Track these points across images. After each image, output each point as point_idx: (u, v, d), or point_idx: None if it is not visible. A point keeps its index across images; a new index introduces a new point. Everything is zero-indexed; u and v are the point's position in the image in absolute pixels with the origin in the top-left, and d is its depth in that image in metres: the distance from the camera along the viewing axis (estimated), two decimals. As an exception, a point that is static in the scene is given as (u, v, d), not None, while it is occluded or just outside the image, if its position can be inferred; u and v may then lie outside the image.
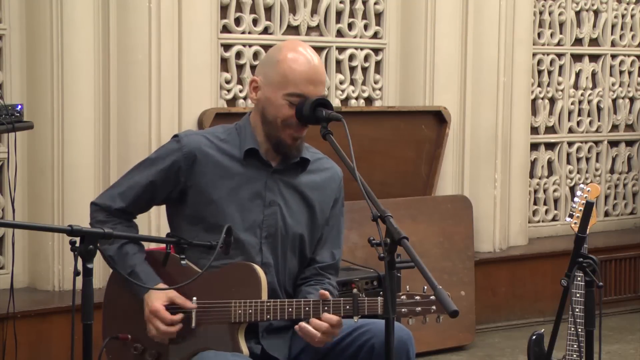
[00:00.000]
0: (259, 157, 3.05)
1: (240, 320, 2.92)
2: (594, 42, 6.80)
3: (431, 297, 2.89)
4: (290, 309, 2.90)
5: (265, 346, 3.02)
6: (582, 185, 3.73)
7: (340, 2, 5.72)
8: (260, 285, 2.93)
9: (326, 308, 2.89)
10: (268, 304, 2.91)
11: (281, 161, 3.08)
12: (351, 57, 5.79)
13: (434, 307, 2.90)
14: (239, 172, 3.04)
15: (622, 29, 6.91)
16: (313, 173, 3.13)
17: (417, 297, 2.90)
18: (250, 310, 2.91)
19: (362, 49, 5.81)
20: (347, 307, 2.88)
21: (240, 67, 5.41)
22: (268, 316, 2.91)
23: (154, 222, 4.80)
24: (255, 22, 5.44)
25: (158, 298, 2.96)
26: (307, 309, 2.90)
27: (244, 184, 3.04)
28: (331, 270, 3.18)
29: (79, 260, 2.48)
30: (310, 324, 2.87)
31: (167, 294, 2.96)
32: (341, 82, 5.76)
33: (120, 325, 3.06)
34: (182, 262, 2.89)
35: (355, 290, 2.95)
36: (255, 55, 5.43)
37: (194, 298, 2.97)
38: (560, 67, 6.66)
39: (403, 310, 2.87)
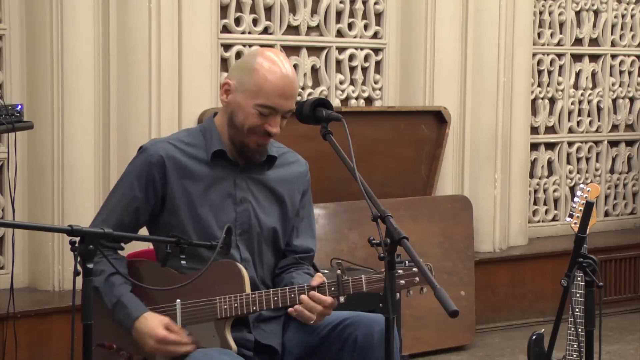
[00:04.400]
0: (226, 158, 3.07)
1: (226, 315, 2.94)
2: (594, 42, 6.80)
3: (414, 270, 2.92)
4: (275, 298, 2.93)
5: (257, 336, 3.04)
6: (582, 185, 3.73)
7: (340, 2, 5.72)
8: (243, 279, 2.95)
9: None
10: (253, 296, 2.93)
11: (247, 161, 3.10)
12: (351, 57, 5.79)
13: (417, 279, 2.94)
14: (207, 174, 3.06)
15: (622, 29, 6.91)
16: (280, 167, 3.16)
17: (400, 271, 2.92)
18: (235, 304, 2.93)
19: (362, 49, 5.82)
20: (332, 288, 2.93)
21: (240, 67, 5.40)
22: (254, 308, 2.93)
23: (154, 222, 4.80)
24: (255, 22, 5.44)
25: (156, 326, 2.94)
26: (292, 295, 2.94)
27: (213, 185, 3.06)
28: (308, 260, 3.23)
29: (79, 260, 2.48)
30: (305, 308, 2.90)
31: (162, 321, 2.95)
32: (341, 82, 5.76)
33: (106, 332, 3.04)
34: (183, 262, 2.90)
35: (338, 272, 2.97)
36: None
37: (178, 300, 2.97)
38: (560, 67, 6.67)
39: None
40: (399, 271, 2.92)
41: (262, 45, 5.42)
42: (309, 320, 2.93)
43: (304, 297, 2.92)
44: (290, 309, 2.93)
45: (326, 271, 4.42)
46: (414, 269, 2.92)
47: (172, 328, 2.95)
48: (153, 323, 2.95)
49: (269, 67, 2.99)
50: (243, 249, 3.08)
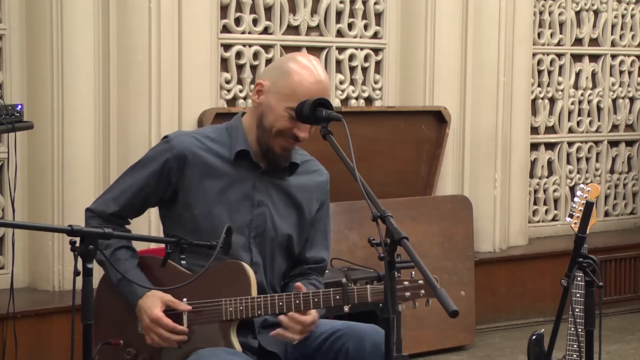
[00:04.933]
0: (248, 159, 3.06)
1: (231, 318, 2.94)
2: (594, 42, 6.80)
3: (419, 282, 2.93)
4: (280, 303, 2.93)
5: (262, 341, 3.04)
6: (582, 185, 3.73)
7: (340, 2, 5.72)
8: (250, 282, 2.95)
9: (316, 300, 2.93)
10: (258, 299, 2.93)
11: (269, 164, 3.09)
12: (351, 57, 5.79)
13: (422, 291, 2.94)
14: (228, 173, 3.05)
15: (622, 29, 6.91)
16: (301, 175, 3.15)
17: (406, 283, 2.93)
18: (241, 307, 2.93)
19: (362, 49, 5.82)
20: (337, 297, 2.93)
21: (240, 67, 5.41)
22: (259, 312, 2.93)
23: (154, 222, 4.80)
24: (255, 22, 5.44)
25: (155, 305, 2.96)
26: (297, 301, 2.93)
27: (232, 184, 3.05)
28: (318, 270, 3.23)
29: (79, 260, 2.48)
30: (288, 329, 2.92)
31: (162, 298, 2.97)
32: (341, 82, 5.76)
33: (111, 330, 3.06)
34: (182, 262, 2.90)
35: (344, 280, 2.97)
36: (255, 55, 5.43)
37: (184, 299, 2.97)
38: (560, 67, 6.67)
39: None
40: (405, 283, 2.92)
41: (262, 46, 5.43)
42: (292, 342, 2.96)
43: (282, 317, 2.92)
44: (272, 332, 2.95)
45: (327, 272, 4.42)
46: (419, 281, 2.93)
47: (173, 306, 2.95)
48: (153, 302, 2.96)
49: (304, 72, 2.98)
50: (255, 252, 3.07)
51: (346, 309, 2.93)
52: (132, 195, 3.07)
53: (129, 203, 3.08)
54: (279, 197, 3.11)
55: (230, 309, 2.93)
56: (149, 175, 3.05)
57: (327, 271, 4.24)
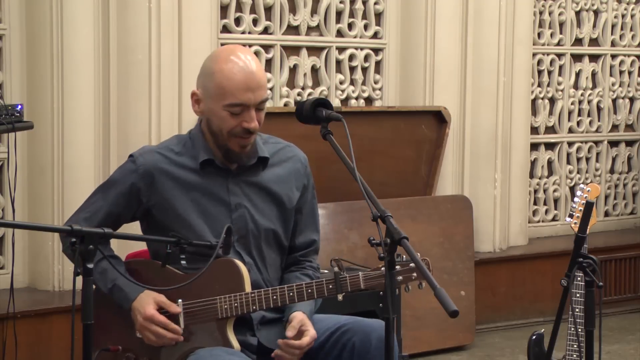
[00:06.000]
0: (215, 165, 3.05)
1: (227, 315, 2.94)
2: (594, 42, 6.80)
3: (411, 265, 2.91)
4: (275, 297, 2.93)
5: (261, 338, 3.04)
6: (582, 185, 3.73)
7: (340, 2, 5.72)
8: (243, 278, 2.95)
9: (309, 291, 2.94)
10: (252, 294, 2.93)
11: (239, 164, 3.08)
12: (351, 57, 5.79)
13: (414, 275, 2.92)
14: (198, 183, 3.04)
15: (622, 29, 6.91)
16: (276, 166, 3.13)
17: (398, 267, 2.91)
18: (236, 304, 2.93)
19: (362, 49, 5.82)
20: (330, 286, 2.93)
21: (240, 67, 5.40)
22: (254, 307, 2.93)
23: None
24: (255, 22, 5.44)
25: (147, 304, 2.96)
26: (291, 294, 2.94)
27: (205, 194, 3.04)
28: (312, 254, 3.23)
29: (79, 260, 2.48)
30: (286, 353, 2.94)
31: (155, 299, 2.97)
32: (341, 82, 5.76)
33: (109, 336, 3.05)
34: (183, 262, 2.90)
35: (336, 269, 2.96)
36: (255, 55, 5.42)
37: (180, 300, 2.97)
38: (560, 67, 6.67)
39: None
40: (397, 267, 2.91)
41: (262, 46, 5.43)
42: None
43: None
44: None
45: (326, 271, 4.42)
46: (411, 265, 2.91)
47: (165, 307, 2.95)
48: (146, 301, 2.96)
49: (226, 66, 2.97)
50: (243, 253, 3.06)
51: (340, 297, 2.93)
52: (103, 216, 3.05)
53: (101, 223, 3.03)
54: (256, 194, 3.09)
55: (225, 306, 2.93)
56: (117, 196, 3.05)
57: (326, 271, 4.25)
